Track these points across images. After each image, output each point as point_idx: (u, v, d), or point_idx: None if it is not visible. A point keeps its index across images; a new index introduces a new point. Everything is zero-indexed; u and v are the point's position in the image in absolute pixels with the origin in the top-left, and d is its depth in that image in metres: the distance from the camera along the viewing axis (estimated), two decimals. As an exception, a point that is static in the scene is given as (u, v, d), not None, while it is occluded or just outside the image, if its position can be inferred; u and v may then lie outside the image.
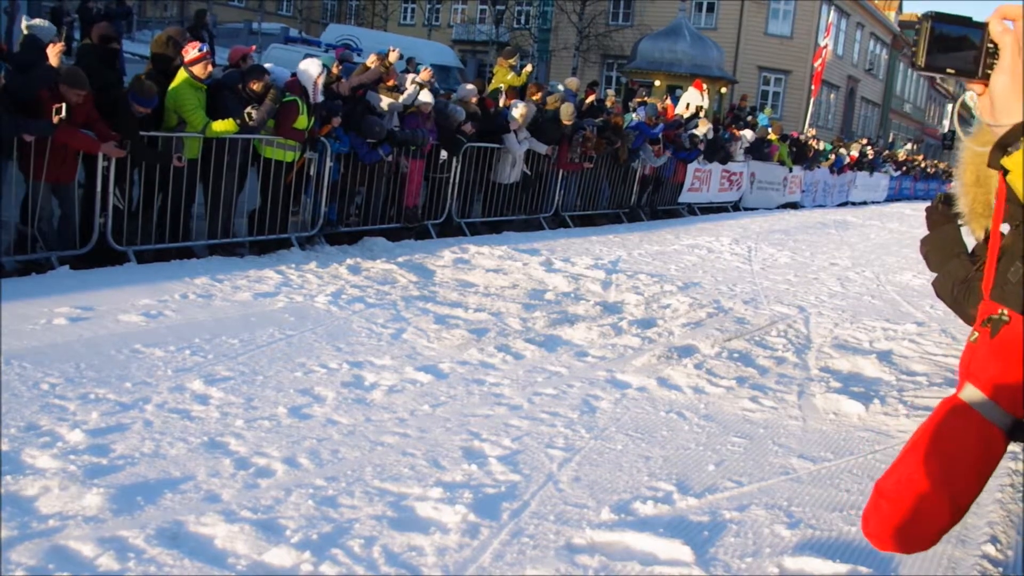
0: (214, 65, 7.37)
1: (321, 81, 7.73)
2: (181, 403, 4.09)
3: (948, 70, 1.31)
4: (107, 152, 6.32)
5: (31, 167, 6.02)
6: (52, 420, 3.72)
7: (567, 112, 11.03)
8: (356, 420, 4.13)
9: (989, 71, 1.27)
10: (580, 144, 11.33)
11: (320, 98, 7.78)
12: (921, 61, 1.32)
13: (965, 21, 1.30)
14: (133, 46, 16.13)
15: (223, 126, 6.97)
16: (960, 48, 1.30)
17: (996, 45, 1.26)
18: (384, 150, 8.47)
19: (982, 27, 1.28)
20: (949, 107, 54.02)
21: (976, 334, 1.42)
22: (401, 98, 8.78)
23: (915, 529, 1.44)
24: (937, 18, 1.31)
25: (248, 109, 7.05)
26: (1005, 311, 1.38)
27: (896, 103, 44.98)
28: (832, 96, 36.73)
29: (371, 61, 9.00)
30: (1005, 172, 1.28)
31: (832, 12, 30.22)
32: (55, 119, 5.86)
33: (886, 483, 1.46)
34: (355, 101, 8.49)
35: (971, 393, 1.39)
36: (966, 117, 1.47)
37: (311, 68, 7.75)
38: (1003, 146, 1.25)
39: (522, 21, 36.14)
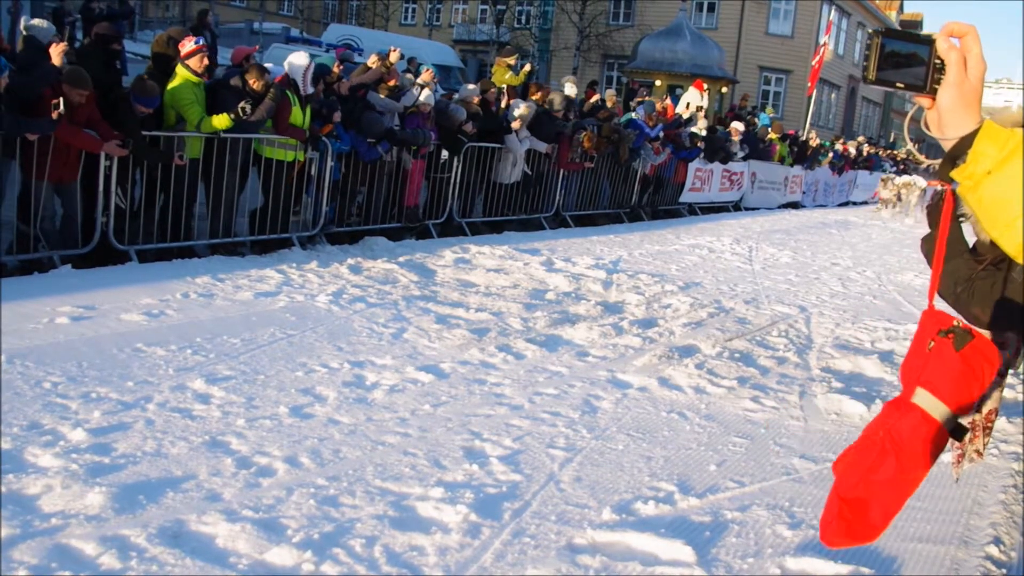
0: (215, 64, 7.37)
1: (311, 72, 7.73)
2: (183, 402, 4.09)
3: (898, 84, 1.37)
4: (109, 151, 6.32)
5: (34, 167, 6.02)
6: (54, 419, 3.72)
7: (557, 100, 11.09)
8: (357, 420, 4.13)
9: (936, 86, 1.33)
10: (580, 144, 11.34)
11: (310, 89, 7.78)
12: (872, 76, 1.38)
13: (914, 37, 1.36)
14: (135, 46, 16.14)
15: (218, 121, 6.97)
16: (909, 64, 1.35)
17: (943, 61, 1.32)
18: (383, 147, 8.46)
19: (930, 43, 1.33)
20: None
21: (932, 343, 1.51)
22: (402, 100, 8.78)
23: (871, 526, 1.58)
24: (887, 34, 1.36)
25: (242, 104, 7.00)
26: (959, 323, 1.49)
27: (897, 103, 44.94)
28: (833, 96, 36.72)
29: (372, 61, 9.00)
30: (954, 184, 1.35)
31: (833, 11, 30.20)
32: (54, 114, 5.86)
33: (844, 487, 1.60)
34: (355, 100, 8.50)
35: (926, 399, 1.51)
36: (917, 130, 1.54)
37: (299, 60, 7.77)
38: (952, 159, 1.31)
39: (523, 21, 36.13)
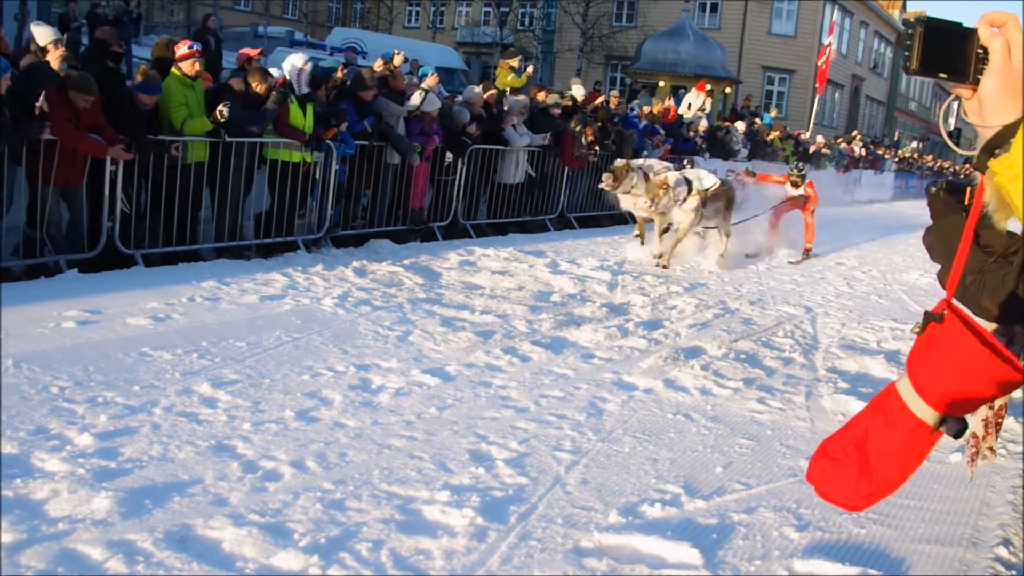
0: (220, 68, 7.41)
1: (304, 73, 7.76)
2: (189, 406, 4.09)
3: (940, 74, 1.34)
4: (115, 155, 6.35)
5: (40, 171, 6.04)
6: (61, 423, 3.73)
7: (578, 92, 11.27)
8: (363, 423, 4.13)
9: (979, 75, 1.31)
10: (582, 136, 11.38)
11: (305, 89, 7.81)
12: (915, 66, 1.35)
13: (956, 26, 1.34)
14: (141, 51, 16.16)
15: (199, 124, 6.99)
16: (952, 53, 1.33)
17: (986, 50, 1.30)
18: (369, 121, 8.44)
19: (971, 32, 1.31)
20: (955, 106, 53.70)
21: (918, 327, 1.47)
22: (406, 104, 8.80)
23: (843, 494, 1.56)
24: (930, 23, 1.34)
25: (219, 107, 7.02)
26: (945, 311, 1.42)
27: (901, 101, 44.83)
28: (836, 95, 36.64)
29: (377, 66, 9.05)
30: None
31: (835, 11, 30.15)
32: (36, 111, 5.84)
33: (829, 444, 1.57)
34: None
35: (903, 384, 1.46)
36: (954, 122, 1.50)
37: (296, 61, 7.83)
38: (990, 148, 1.29)
39: (526, 23, 36.15)
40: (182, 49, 7.06)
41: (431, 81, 9.54)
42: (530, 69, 13.29)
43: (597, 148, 11.70)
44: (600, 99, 13.37)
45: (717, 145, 15.51)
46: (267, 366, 4.78)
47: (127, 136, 6.43)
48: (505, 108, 10.66)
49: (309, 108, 7.75)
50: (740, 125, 16.94)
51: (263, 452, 3.68)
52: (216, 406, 4.13)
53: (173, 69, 7.03)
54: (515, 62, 12.94)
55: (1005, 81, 1.27)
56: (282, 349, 5.12)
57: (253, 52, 8.13)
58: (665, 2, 31.35)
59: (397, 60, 9.59)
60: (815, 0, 31.88)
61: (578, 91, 12.63)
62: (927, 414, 1.43)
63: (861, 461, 1.50)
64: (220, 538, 2.95)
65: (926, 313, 1.44)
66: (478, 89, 10.52)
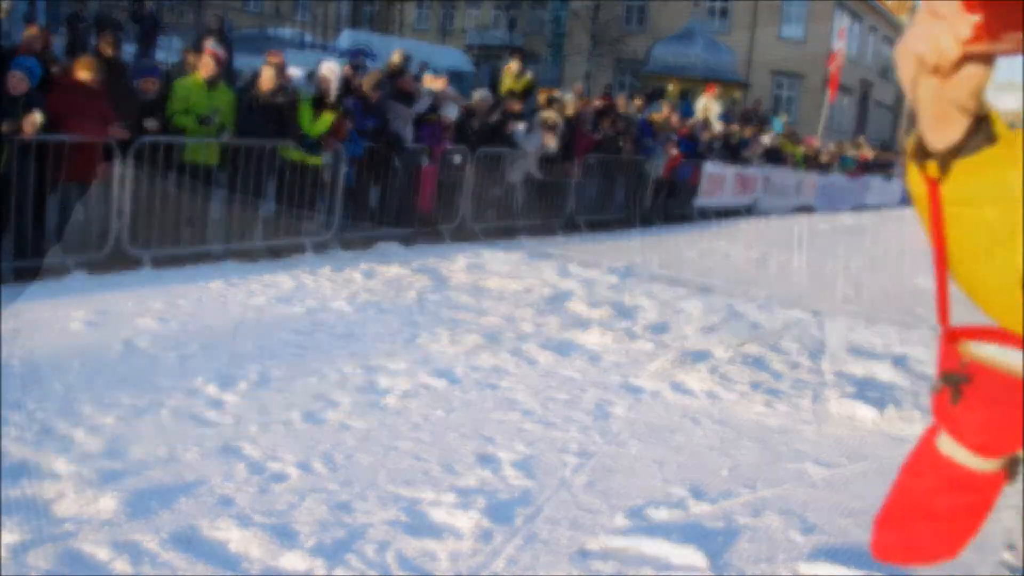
0: (231, 70, 7.49)
1: (337, 78, 7.84)
2: (195, 408, 4.11)
3: None
4: (114, 134, 6.41)
5: (48, 169, 6.07)
6: (68, 424, 3.74)
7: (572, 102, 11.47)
8: (370, 425, 4.14)
9: None
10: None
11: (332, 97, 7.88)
12: None
13: None
14: (161, 54, 16.21)
15: (184, 119, 7.05)
16: None
17: None
18: (371, 121, 8.47)
19: None
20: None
21: (939, 385, 1.18)
22: (414, 107, 8.83)
23: (925, 551, 1.33)
24: None
25: (207, 114, 7.13)
26: (967, 359, 1.15)
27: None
28: (846, 100, 36.53)
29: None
30: None
31: (845, 15, 30.07)
32: (28, 129, 5.83)
33: (886, 515, 1.35)
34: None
35: (947, 444, 1.22)
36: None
37: (326, 71, 7.88)
38: None
39: (536, 26, 36.18)
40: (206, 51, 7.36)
41: (440, 84, 9.55)
42: (528, 77, 13.29)
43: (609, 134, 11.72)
44: (598, 101, 13.39)
45: (729, 151, 15.48)
46: (274, 368, 4.80)
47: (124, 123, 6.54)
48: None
49: (328, 115, 7.70)
50: (766, 140, 16.91)
51: (269, 453, 3.69)
52: (223, 407, 4.15)
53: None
54: (514, 65, 12.95)
55: None
56: (289, 351, 5.13)
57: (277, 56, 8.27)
58: (675, 5, 31.34)
59: (396, 58, 9.59)
60: (825, 2, 31.81)
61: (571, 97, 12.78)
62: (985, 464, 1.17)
63: (930, 518, 1.24)
64: (226, 539, 2.96)
65: (951, 377, 1.15)
66: (484, 91, 10.59)
